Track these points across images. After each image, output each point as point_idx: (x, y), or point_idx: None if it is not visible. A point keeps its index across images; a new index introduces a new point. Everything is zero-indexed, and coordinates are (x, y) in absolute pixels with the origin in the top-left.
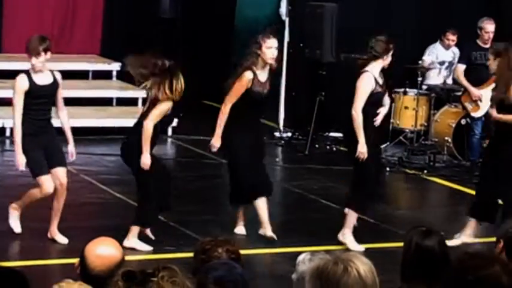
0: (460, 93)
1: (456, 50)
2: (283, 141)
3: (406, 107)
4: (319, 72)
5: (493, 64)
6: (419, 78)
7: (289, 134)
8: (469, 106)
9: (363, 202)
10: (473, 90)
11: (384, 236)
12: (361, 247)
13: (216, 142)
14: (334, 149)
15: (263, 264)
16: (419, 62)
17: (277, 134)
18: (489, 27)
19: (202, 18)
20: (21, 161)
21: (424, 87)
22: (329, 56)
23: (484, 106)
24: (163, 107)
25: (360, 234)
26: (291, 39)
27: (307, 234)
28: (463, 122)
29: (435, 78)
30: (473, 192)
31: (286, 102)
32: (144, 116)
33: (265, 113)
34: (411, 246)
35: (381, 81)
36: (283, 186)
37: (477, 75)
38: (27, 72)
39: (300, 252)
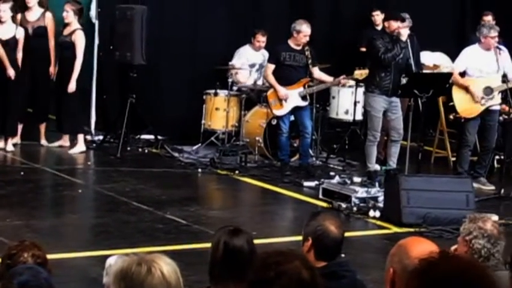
0: None
1: (266, 52)
2: (94, 144)
3: (217, 108)
4: (129, 75)
5: None
6: (230, 80)
7: (101, 137)
8: (272, 103)
9: None
10: (280, 89)
11: (196, 236)
12: None
13: None
14: (146, 151)
15: (76, 267)
16: (230, 63)
17: (88, 137)
18: (308, 30)
19: None
20: None
21: (235, 88)
22: (139, 58)
23: (288, 106)
24: None
25: (171, 236)
26: (101, 42)
27: (119, 237)
28: (273, 122)
29: (245, 79)
30: (283, 191)
31: (97, 105)
32: None
33: None
34: (219, 245)
35: None
36: (95, 189)
37: (285, 75)
38: None
39: (112, 255)
